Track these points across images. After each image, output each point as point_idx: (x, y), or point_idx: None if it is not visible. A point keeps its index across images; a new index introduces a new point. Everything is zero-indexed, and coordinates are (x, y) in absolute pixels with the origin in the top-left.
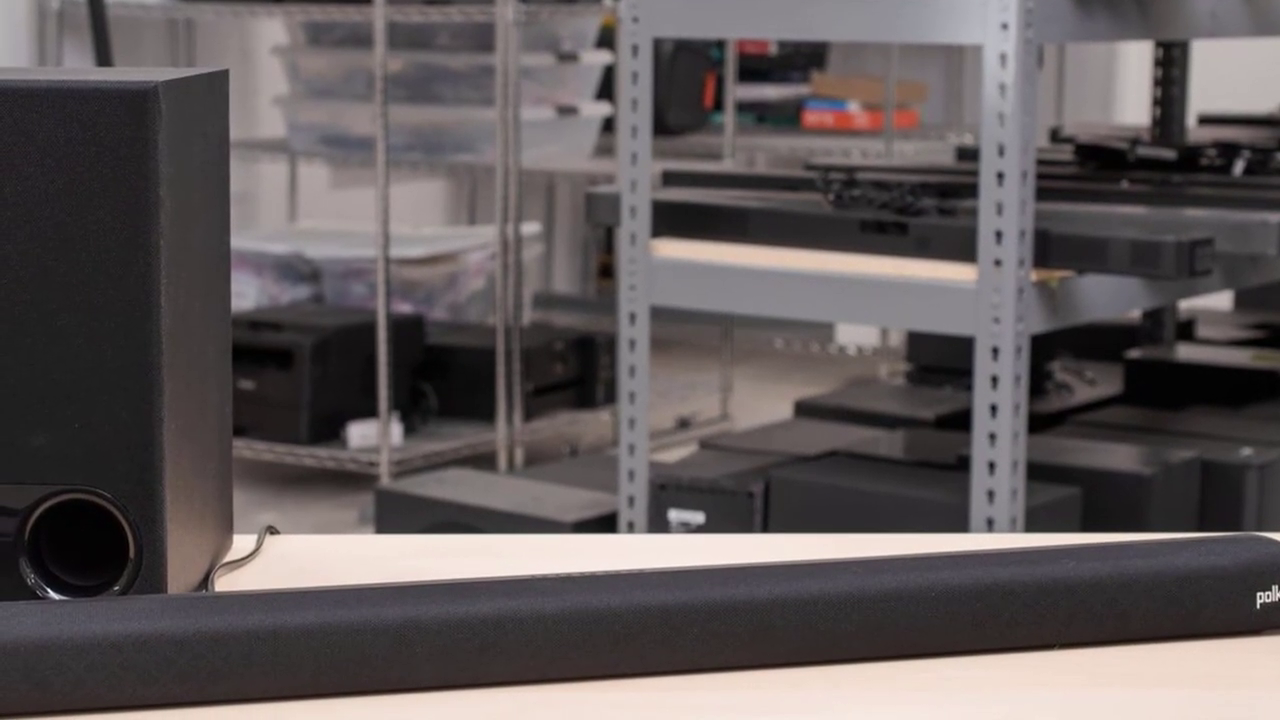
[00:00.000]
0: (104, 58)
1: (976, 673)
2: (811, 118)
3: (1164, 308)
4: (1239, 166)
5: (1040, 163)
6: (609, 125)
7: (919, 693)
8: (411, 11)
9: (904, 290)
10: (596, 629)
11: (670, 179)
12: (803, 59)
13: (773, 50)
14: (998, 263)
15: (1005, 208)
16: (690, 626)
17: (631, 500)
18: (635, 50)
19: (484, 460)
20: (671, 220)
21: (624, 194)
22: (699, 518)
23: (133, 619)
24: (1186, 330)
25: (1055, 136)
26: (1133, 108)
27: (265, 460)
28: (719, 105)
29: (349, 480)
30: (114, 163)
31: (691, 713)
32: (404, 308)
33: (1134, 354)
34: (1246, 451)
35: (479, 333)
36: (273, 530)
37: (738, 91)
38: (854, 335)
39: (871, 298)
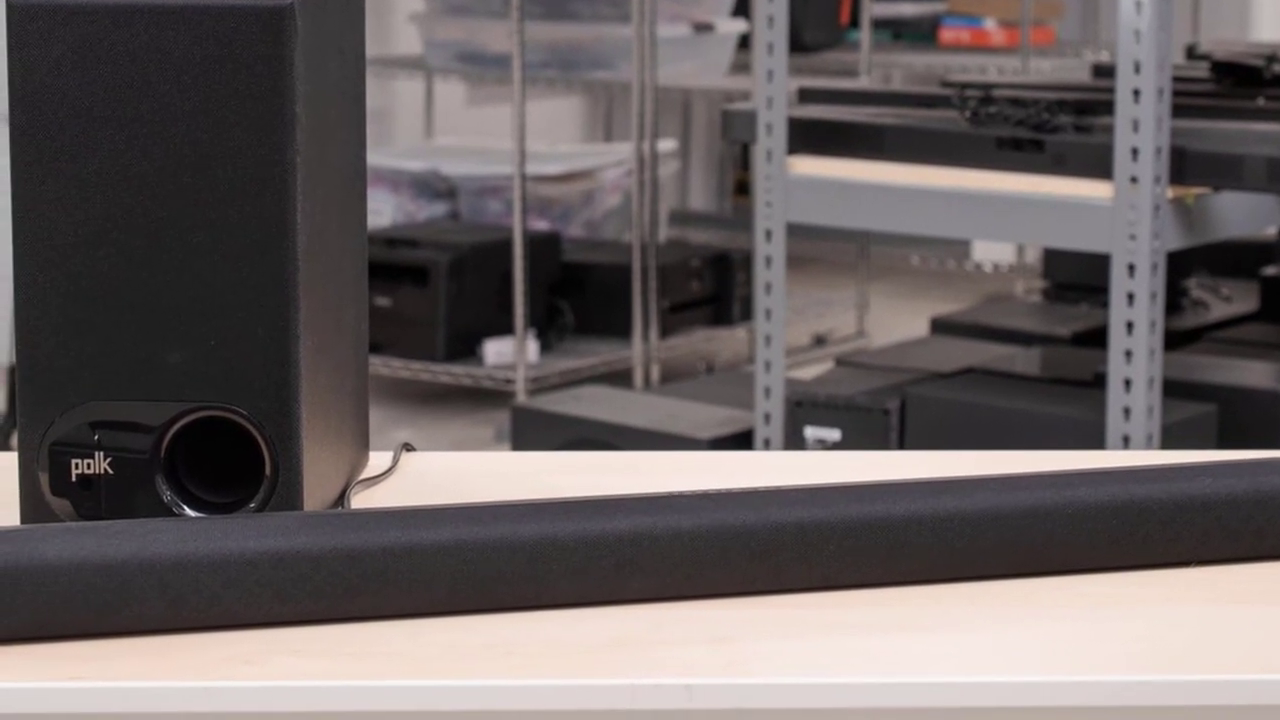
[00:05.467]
0: None
1: (1112, 589)
2: (948, 34)
3: None
4: None
5: (1176, 80)
6: (745, 42)
7: (1055, 609)
8: None
9: (1040, 207)
10: (733, 546)
11: (806, 96)
12: None
13: None
14: (1134, 180)
15: (1141, 125)
16: (826, 543)
17: (767, 417)
18: None
19: (620, 377)
20: (807, 137)
21: (760, 111)
22: (835, 435)
23: (269, 536)
24: None
25: (1191, 54)
26: (1269, 24)
27: (401, 377)
28: (855, 22)
29: (485, 397)
30: (251, 80)
31: (828, 629)
32: (540, 225)
33: (1270, 271)
34: None
35: (615, 250)
36: (409, 447)
37: (874, 8)
38: (990, 252)
39: (1008, 215)
